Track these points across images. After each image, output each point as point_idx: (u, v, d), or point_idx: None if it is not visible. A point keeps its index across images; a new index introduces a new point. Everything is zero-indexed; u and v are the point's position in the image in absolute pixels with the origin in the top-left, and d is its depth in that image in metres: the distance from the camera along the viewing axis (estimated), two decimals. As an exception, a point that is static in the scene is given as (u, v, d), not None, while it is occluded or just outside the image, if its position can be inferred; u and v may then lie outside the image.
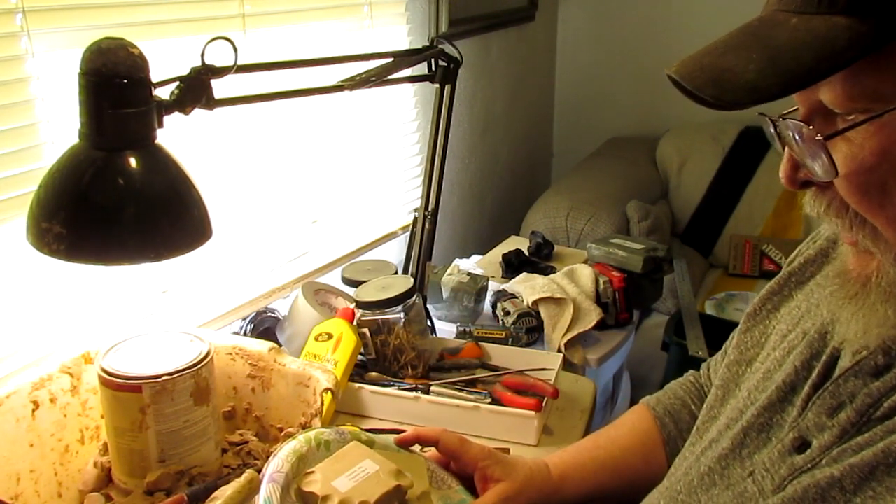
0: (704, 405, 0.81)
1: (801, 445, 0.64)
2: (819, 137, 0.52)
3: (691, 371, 0.99)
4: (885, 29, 0.48)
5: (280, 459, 0.75)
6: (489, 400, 1.18)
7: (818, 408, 0.64)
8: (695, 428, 0.80)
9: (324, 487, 0.74)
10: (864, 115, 0.51)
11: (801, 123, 0.54)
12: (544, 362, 1.28)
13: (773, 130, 0.58)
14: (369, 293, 1.27)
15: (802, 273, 0.79)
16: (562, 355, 1.32)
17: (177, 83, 0.83)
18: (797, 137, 0.55)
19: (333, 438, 0.81)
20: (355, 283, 1.40)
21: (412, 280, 1.31)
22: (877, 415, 0.60)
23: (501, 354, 1.33)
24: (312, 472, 0.76)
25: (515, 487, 0.85)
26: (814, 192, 0.58)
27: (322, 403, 0.96)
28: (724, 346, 0.90)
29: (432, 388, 1.20)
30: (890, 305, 0.56)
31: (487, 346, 1.34)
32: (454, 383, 1.22)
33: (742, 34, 0.54)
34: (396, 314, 1.25)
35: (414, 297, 1.28)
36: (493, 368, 1.29)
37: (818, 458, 0.62)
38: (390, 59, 1.21)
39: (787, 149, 0.57)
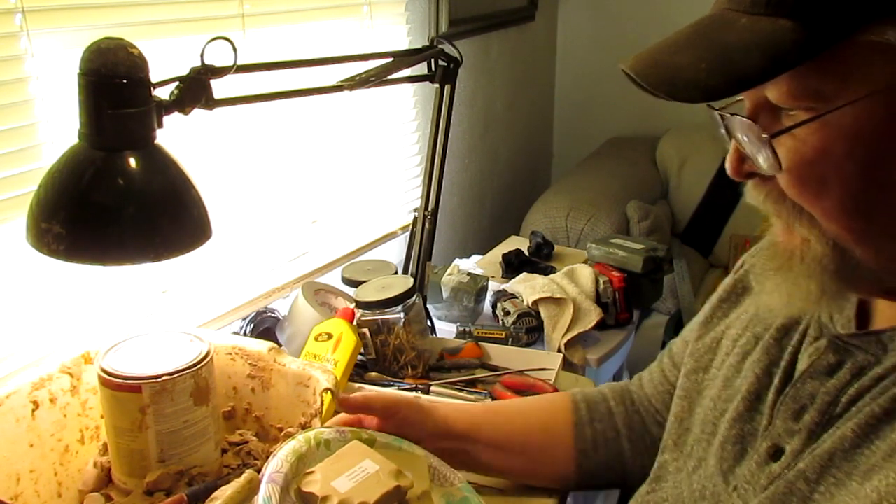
0: (673, 417, 0.82)
1: (776, 452, 0.65)
2: (765, 136, 0.54)
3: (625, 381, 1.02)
4: (828, 33, 0.50)
5: (279, 459, 0.75)
6: (489, 400, 1.18)
7: (784, 413, 0.66)
8: (668, 440, 0.82)
9: (323, 488, 0.74)
10: (808, 113, 0.53)
11: (749, 121, 0.56)
12: (544, 362, 1.28)
13: (720, 121, 0.60)
14: (369, 293, 1.27)
15: (747, 279, 0.81)
16: (561, 355, 1.32)
17: (176, 83, 0.83)
18: (743, 133, 0.57)
19: (334, 438, 0.81)
20: (355, 283, 1.40)
21: (412, 280, 1.31)
22: (837, 412, 0.62)
23: (501, 354, 1.33)
24: (312, 472, 0.76)
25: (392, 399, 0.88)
26: (755, 182, 0.61)
27: (322, 403, 0.96)
28: (658, 357, 0.96)
29: (432, 388, 1.20)
30: (813, 281, 0.58)
31: (487, 345, 1.34)
32: (454, 383, 1.22)
33: (694, 32, 0.56)
34: (396, 314, 1.25)
35: (414, 297, 1.28)
36: (493, 368, 1.29)
37: (793, 462, 0.63)
38: (390, 59, 1.21)
39: (733, 141, 0.59)
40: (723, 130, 0.61)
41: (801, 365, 0.67)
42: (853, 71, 0.51)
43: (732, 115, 0.57)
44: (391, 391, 0.89)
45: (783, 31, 0.50)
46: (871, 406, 0.59)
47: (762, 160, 0.57)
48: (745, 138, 0.57)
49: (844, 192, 0.54)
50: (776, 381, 0.69)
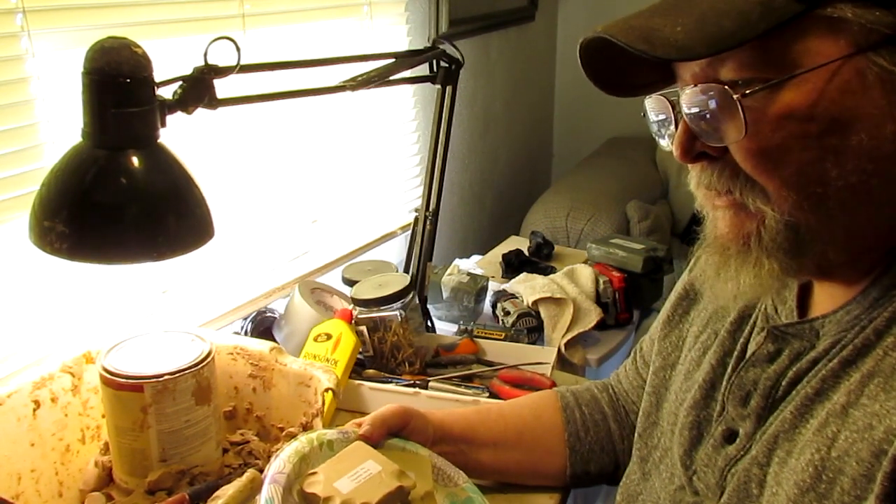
0: (641, 411, 0.86)
1: (731, 436, 0.69)
2: (736, 95, 0.56)
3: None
4: (791, 5, 0.53)
5: (282, 460, 0.75)
6: (487, 394, 1.18)
7: (732, 399, 0.70)
8: (637, 435, 0.86)
9: (326, 489, 0.73)
10: (765, 83, 0.55)
11: (718, 85, 0.56)
12: (539, 356, 1.29)
13: (665, 116, 0.63)
14: (366, 291, 1.27)
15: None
16: (556, 349, 1.33)
17: (179, 83, 0.83)
18: (702, 105, 0.58)
19: (336, 438, 0.81)
20: (356, 284, 1.40)
21: (408, 277, 1.31)
22: (779, 395, 0.66)
23: (496, 350, 1.34)
24: (315, 472, 0.76)
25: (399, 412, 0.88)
26: (703, 165, 0.62)
27: (323, 403, 0.96)
28: (631, 354, 0.99)
29: (430, 384, 1.20)
30: (774, 259, 0.60)
31: (482, 341, 1.35)
32: (451, 379, 1.22)
33: (666, 3, 0.58)
34: (393, 311, 1.25)
35: (411, 294, 1.28)
36: (489, 364, 1.29)
37: (747, 444, 0.67)
38: (392, 60, 1.21)
39: (682, 123, 0.61)
40: (655, 117, 0.64)
41: (749, 354, 0.71)
42: (812, 42, 0.54)
43: (696, 85, 0.58)
44: (391, 400, 0.90)
45: (751, 4, 0.53)
46: (806, 388, 0.62)
47: (725, 129, 0.57)
48: (703, 111, 0.58)
49: (804, 158, 0.56)
50: (728, 369, 0.72)
